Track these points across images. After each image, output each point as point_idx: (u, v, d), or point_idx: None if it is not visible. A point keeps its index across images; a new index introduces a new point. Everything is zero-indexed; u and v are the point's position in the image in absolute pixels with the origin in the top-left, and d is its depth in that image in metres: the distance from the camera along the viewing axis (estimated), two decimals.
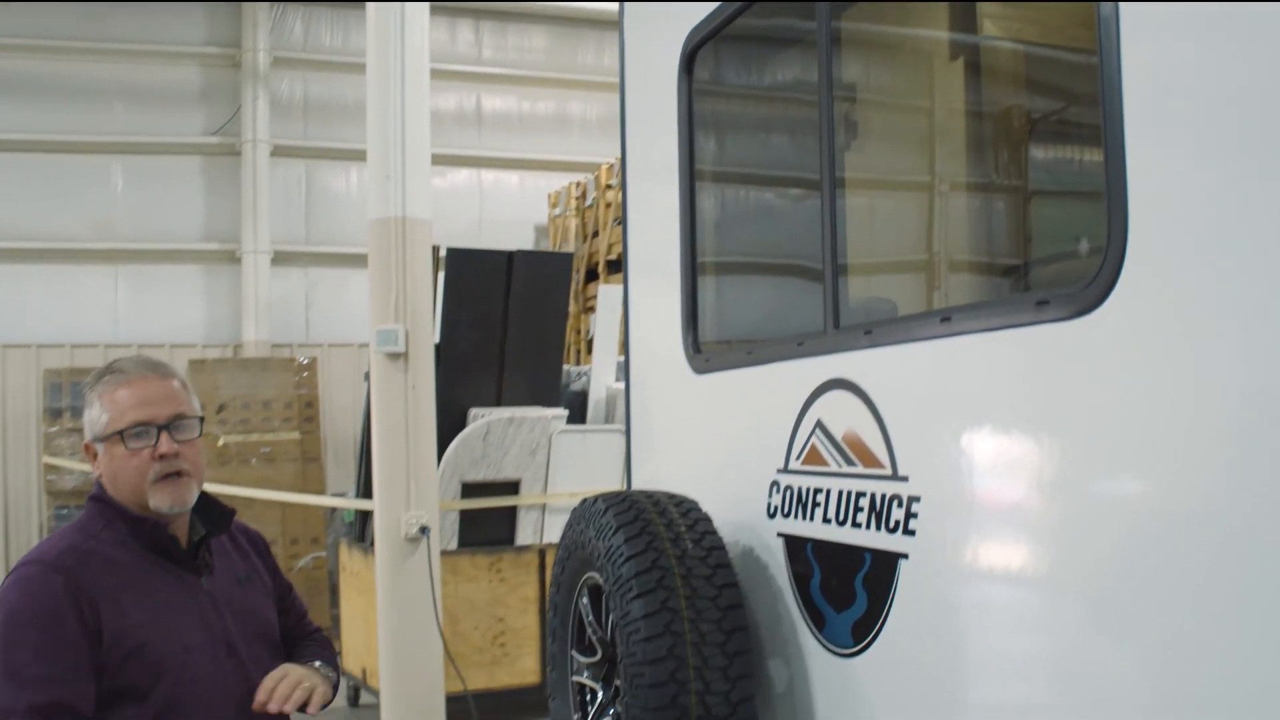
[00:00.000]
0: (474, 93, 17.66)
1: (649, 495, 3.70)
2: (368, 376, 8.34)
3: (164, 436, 2.78)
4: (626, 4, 4.87)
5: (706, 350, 4.20)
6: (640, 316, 4.85)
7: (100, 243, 16.34)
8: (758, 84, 4.80)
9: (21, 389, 15.59)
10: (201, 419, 2.94)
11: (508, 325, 9.64)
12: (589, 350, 14.55)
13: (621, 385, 9.78)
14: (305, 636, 3.08)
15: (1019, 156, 5.08)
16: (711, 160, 4.55)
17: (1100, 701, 2.44)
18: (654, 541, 3.45)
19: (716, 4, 4.02)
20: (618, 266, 15.00)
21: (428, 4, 7.62)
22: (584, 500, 3.83)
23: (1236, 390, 2.18)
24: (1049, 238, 4.90)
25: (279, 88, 16.84)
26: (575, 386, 10.52)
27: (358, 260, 15.02)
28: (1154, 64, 2.35)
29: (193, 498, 2.87)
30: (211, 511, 2.99)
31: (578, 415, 10.12)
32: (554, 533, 9.15)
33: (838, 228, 3.41)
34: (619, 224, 14.70)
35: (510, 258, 9.73)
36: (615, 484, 9.27)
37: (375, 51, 7.40)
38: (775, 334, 4.11)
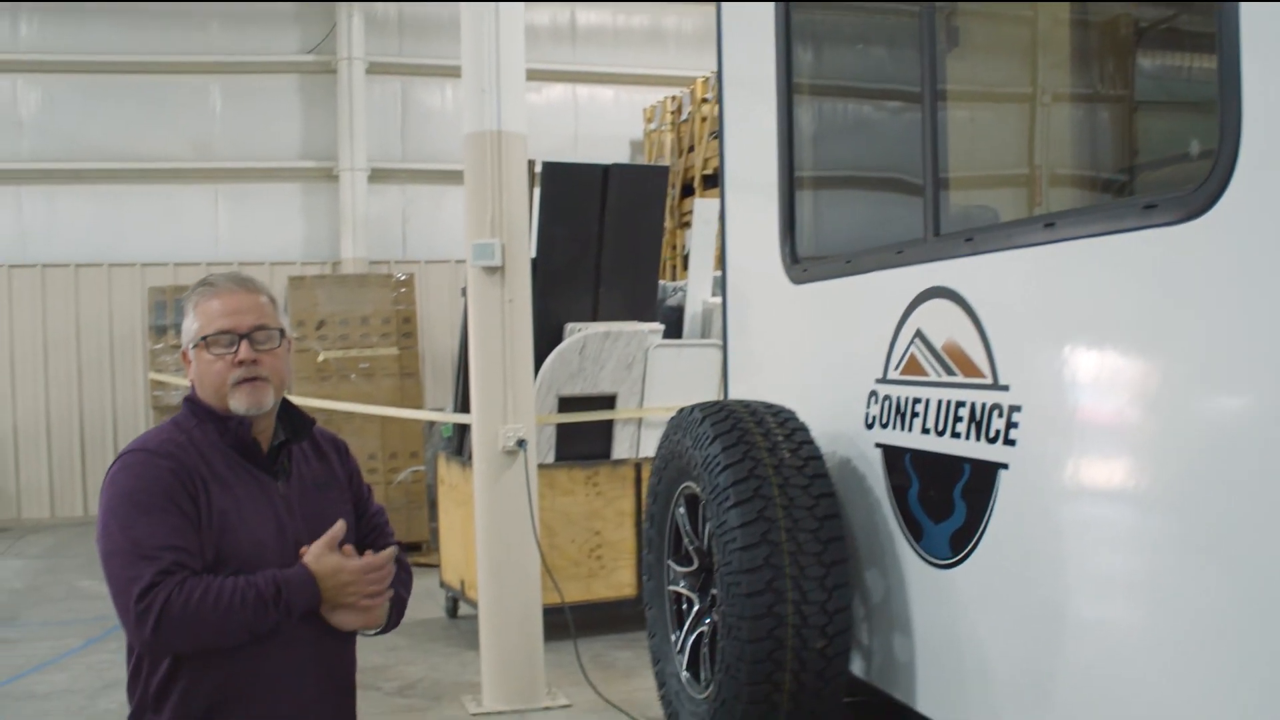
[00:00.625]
0: (568, 7, 17.56)
1: (746, 405, 3.69)
2: (465, 292, 8.38)
3: (244, 344, 2.97)
4: None
5: (804, 260, 4.17)
6: (737, 229, 4.83)
7: (200, 162, 16.59)
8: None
9: (127, 307, 15.95)
10: (283, 332, 3.12)
11: (603, 240, 9.62)
12: (684, 265, 14.53)
13: (718, 300, 9.79)
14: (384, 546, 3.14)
15: (1125, 66, 4.94)
16: (809, 73, 4.48)
17: (1197, 617, 2.41)
18: (751, 451, 3.45)
19: None
20: (714, 181, 14.92)
21: None
22: (681, 410, 3.83)
23: None
24: (1155, 150, 4.77)
25: (374, 4, 16.86)
26: (671, 301, 10.50)
27: (454, 177, 15.12)
28: None
29: (269, 402, 3.02)
30: (294, 420, 3.20)
31: (674, 330, 10.12)
32: (650, 447, 9.18)
33: (939, 135, 3.35)
34: (715, 138, 14.63)
35: (606, 172, 9.69)
36: (711, 398, 9.27)
37: None
38: (875, 245, 4.06)
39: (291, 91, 16.86)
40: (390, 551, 3.04)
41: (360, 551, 3.01)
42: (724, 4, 4.79)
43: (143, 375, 15.21)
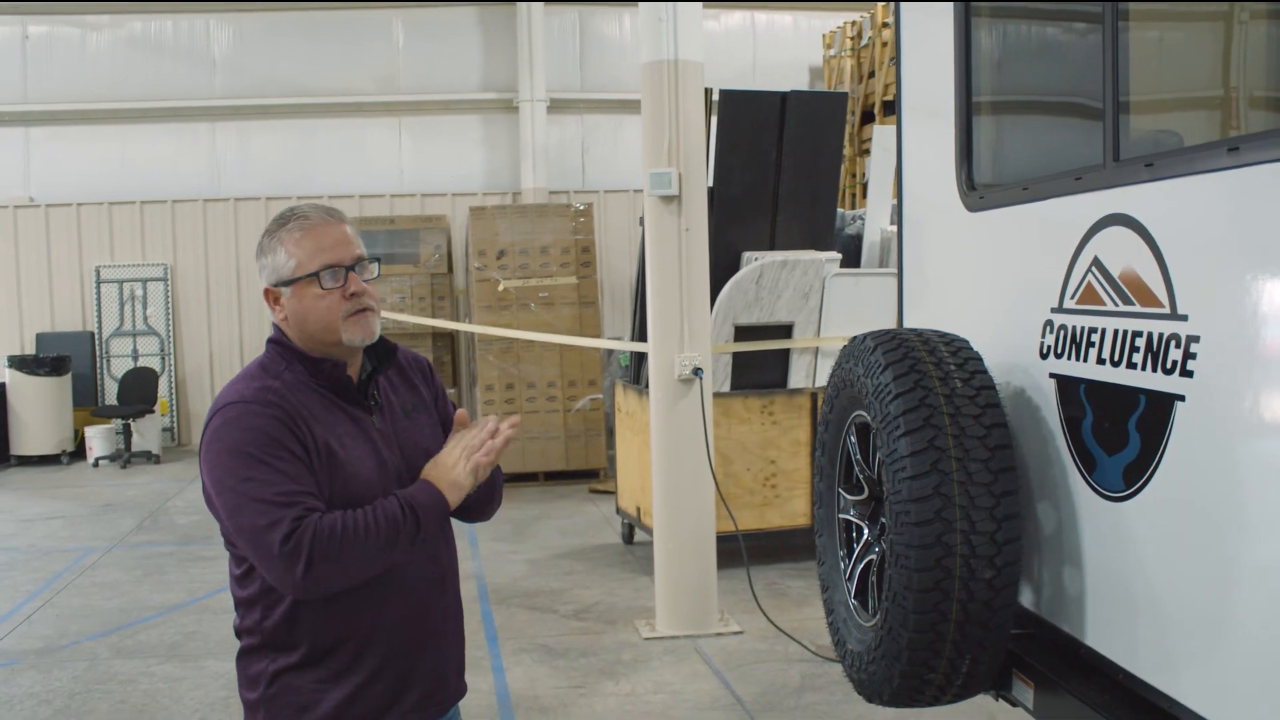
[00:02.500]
0: None
1: (918, 334, 3.66)
2: (642, 221, 8.44)
3: (352, 276, 2.93)
4: None
5: (981, 188, 4.10)
6: (914, 156, 4.76)
7: (384, 96, 16.94)
8: None
9: None
10: (377, 260, 3.10)
11: (781, 168, 9.58)
12: (864, 194, 14.37)
13: (896, 229, 9.68)
14: None
15: None
16: None
17: None
18: (922, 380, 3.43)
19: None
20: (894, 108, 14.67)
21: None
22: (854, 338, 3.82)
23: None
24: None
25: None
26: (850, 230, 10.42)
27: (632, 106, 15.14)
28: None
29: (378, 330, 3.02)
30: (379, 349, 3.11)
31: (852, 259, 10.05)
32: (825, 377, 9.15)
33: (1119, 56, 3.25)
34: (895, 64, 14.38)
35: (784, 99, 9.63)
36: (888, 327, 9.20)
37: None
38: (1052, 171, 3.97)
39: (471, 24, 17.07)
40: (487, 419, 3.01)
41: None
42: None
43: None
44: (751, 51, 17.48)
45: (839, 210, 10.36)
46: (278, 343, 2.99)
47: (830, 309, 9.25)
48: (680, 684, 6.80)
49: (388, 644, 2.95)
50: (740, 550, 7.91)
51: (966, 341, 3.66)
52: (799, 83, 17.03)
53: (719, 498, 7.83)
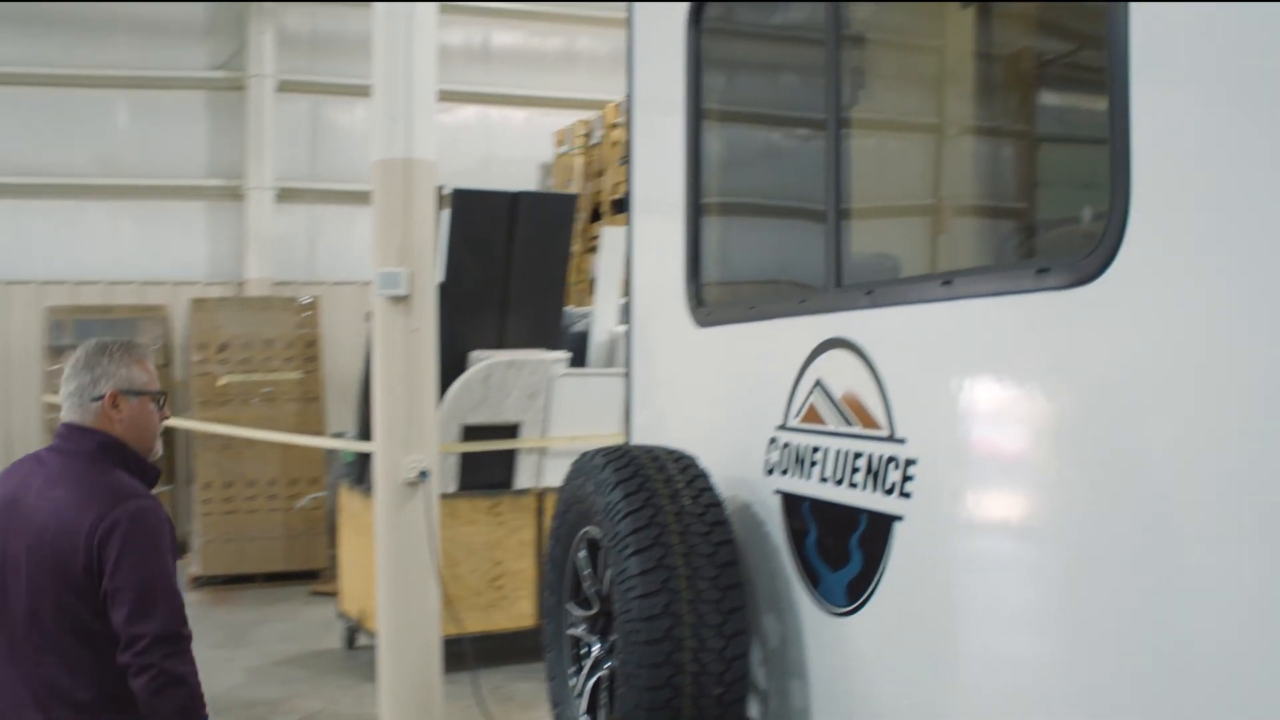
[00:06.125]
0: (483, 28, 17.50)
1: (648, 450, 3.69)
2: (369, 317, 8.32)
3: (165, 403, 3.54)
4: None
5: (709, 304, 4.18)
6: (644, 262, 4.81)
7: (104, 178, 16.25)
8: (766, 24, 4.73)
9: (23, 327, 15.56)
10: None
11: (511, 267, 9.60)
12: (590, 291, 14.53)
13: (624, 329, 9.80)
14: None
15: (1028, 101, 5.01)
16: (718, 100, 4.48)
17: (1093, 662, 2.45)
18: (651, 498, 3.45)
19: None
20: (623, 206, 14.89)
21: None
22: (583, 454, 3.82)
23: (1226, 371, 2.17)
24: (1059, 184, 4.84)
25: (286, 21, 16.67)
26: (576, 328, 10.50)
27: (364, 198, 14.84)
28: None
29: None
30: None
31: (578, 357, 10.11)
32: (553, 477, 9.16)
33: (842, 188, 3.38)
34: (624, 163, 14.64)
35: (515, 199, 9.69)
36: (615, 428, 9.27)
37: None
38: (778, 278, 4.09)
39: (199, 108, 16.60)
40: None
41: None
42: (635, 22, 4.77)
43: (38, 397, 14.85)
44: (484, 146, 17.53)
45: (565, 308, 10.44)
46: (119, 445, 3.39)
47: (557, 409, 9.28)
48: None
49: None
50: (467, 653, 7.78)
51: (694, 459, 3.70)
52: (531, 178, 17.16)
53: (445, 600, 7.70)
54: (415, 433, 7.37)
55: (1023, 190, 4.90)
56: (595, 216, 15.37)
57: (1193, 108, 2.28)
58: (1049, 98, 5.09)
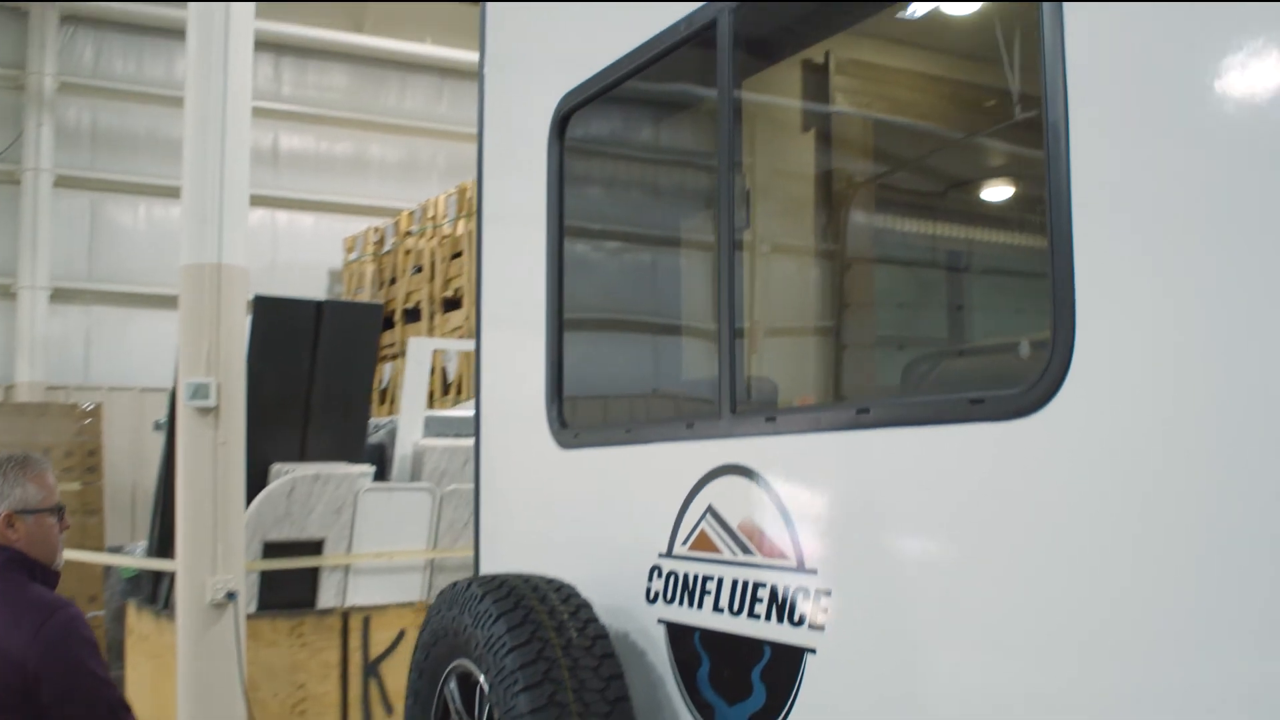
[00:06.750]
0: (271, 130, 17.17)
1: (527, 580, 3.53)
2: (159, 425, 7.92)
3: (65, 514, 3.84)
4: (487, 50, 4.72)
5: (574, 425, 4.05)
6: (493, 377, 4.65)
7: None
8: (631, 142, 4.70)
9: None
10: None
11: (314, 377, 9.30)
12: (382, 400, 14.21)
13: (431, 443, 9.57)
14: None
15: (838, 221, 5.05)
16: (580, 217, 4.40)
17: None
18: (538, 631, 3.29)
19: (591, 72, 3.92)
20: (415, 315, 14.72)
21: (251, 40, 7.31)
22: (454, 584, 3.64)
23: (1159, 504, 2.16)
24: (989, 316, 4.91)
25: (66, 114, 16.04)
26: (374, 439, 10.20)
27: (144, 300, 14.42)
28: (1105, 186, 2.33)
29: None
30: None
31: (380, 471, 9.82)
32: (358, 595, 8.84)
33: (736, 309, 3.32)
34: (418, 272, 14.47)
35: (319, 307, 9.41)
36: (422, 545, 9.04)
37: (195, 88, 7.06)
38: (632, 390, 4.00)
39: None
40: None
41: None
42: (487, 132, 4.67)
43: None
44: (272, 250, 17.11)
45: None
46: (29, 560, 3.65)
47: (362, 524, 8.95)
48: None
49: None
50: None
51: (574, 588, 3.56)
52: (319, 284, 16.82)
53: None
54: (223, 551, 7.00)
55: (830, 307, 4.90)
56: (388, 325, 15.12)
57: (1136, 232, 2.28)
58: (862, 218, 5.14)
